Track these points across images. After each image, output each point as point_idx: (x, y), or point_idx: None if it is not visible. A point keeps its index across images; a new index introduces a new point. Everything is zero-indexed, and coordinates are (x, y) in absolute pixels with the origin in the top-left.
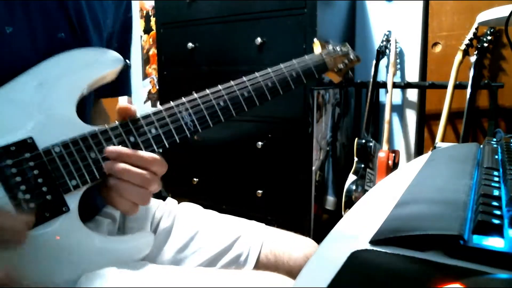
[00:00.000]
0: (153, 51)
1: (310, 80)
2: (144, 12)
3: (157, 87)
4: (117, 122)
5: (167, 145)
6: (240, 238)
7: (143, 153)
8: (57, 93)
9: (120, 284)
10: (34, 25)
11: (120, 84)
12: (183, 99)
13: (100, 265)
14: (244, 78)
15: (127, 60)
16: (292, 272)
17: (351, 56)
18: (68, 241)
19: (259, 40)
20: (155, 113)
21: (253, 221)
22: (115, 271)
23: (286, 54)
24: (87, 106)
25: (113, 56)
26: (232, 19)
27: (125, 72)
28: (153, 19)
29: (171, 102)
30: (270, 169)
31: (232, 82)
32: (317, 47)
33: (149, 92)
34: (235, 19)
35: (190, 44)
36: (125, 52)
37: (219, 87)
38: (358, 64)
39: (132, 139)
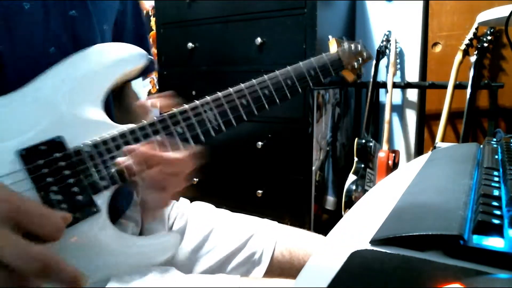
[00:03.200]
0: (153, 51)
1: (327, 78)
2: (144, 12)
3: (157, 87)
4: (145, 122)
5: (193, 144)
6: (254, 236)
7: (166, 154)
8: (83, 92)
9: None
10: (48, 1)
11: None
12: (208, 98)
13: (128, 266)
14: (265, 77)
15: (149, 51)
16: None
17: (364, 54)
18: (97, 242)
19: (259, 40)
20: (181, 112)
21: (266, 219)
22: (141, 278)
23: (286, 54)
24: (111, 103)
25: (138, 53)
26: (232, 19)
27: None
28: (153, 19)
29: (196, 101)
30: (270, 169)
31: (254, 81)
32: (332, 45)
33: (149, 92)
34: (235, 19)
35: (190, 44)
36: (142, 38)
37: (242, 86)
38: (370, 61)
39: (159, 138)
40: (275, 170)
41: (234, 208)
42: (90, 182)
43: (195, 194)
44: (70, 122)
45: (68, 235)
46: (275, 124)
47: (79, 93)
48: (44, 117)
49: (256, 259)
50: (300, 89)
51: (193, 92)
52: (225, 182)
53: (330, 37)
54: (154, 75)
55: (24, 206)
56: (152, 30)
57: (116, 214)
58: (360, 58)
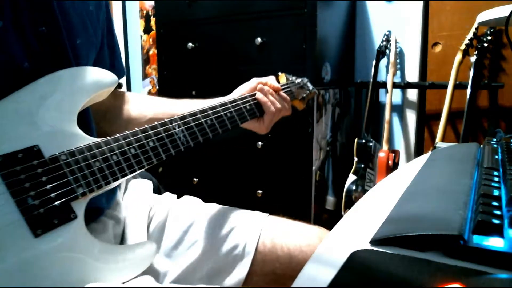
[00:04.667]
0: (153, 51)
1: None
2: (144, 12)
3: (157, 87)
4: (118, 134)
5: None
6: (236, 229)
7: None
8: (58, 109)
9: None
10: (21, 18)
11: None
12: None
13: (103, 275)
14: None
15: (115, 45)
16: (293, 259)
17: (310, 87)
18: (72, 248)
19: (259, 40)
20: (159, 125)
21: (255, 212)
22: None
23: (286, 54)
24: (88, 117)
25: (110, 77)
26: (232, 19)
27: (113, 55)
28: (153, 19)
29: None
30: (270, 169)
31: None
32: (282, 79)
33: (149, 92)
34: (235, 19)
35: (190, 44)
36: (114, 51)
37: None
38: (315, 95)
39: (132, 150)
40: (275, 170)
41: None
42: (68, 189)
43: (195, 194)
44: (47, 133)
45: (46, 240)
46: (275, 124)
47: (55, 108)
48: (22, 128)
49: (240, 251)
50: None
51: (193, 92)
52: (225, 182)
53: (279, 73)
54: (154, 75)
55: None
56: (152, 30)
57: (97, 213)
58: (307, 91)
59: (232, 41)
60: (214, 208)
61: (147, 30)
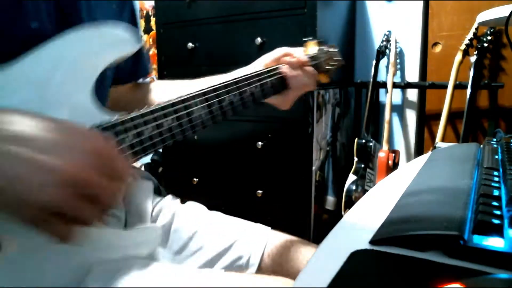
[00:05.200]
0: (153, 51)
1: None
2: (144, 12)
3: None
4: (119, 117)
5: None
6: (241, 240)
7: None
8: (73, 77)
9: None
10: (14, 13)
11: (137, 67)
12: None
13: (110, 259)
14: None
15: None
16: (292, 278)
17: (338, 58)
18: (80, 234)
19: (259, 40)
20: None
21: (258, 224)
22: (122, 270)
23: None
24: (104, 90)
25: (130, 37)
26: (232, 19)
27: (139, 54)
28: (153, 19)
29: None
30: (270, 169)
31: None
32: (310, 47)
33: None
34: (235, 19)
35: (190, 44)
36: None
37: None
38: (342, 65)
39: (130, 137)
40: (275, 170)
41: (234, 208)
42: None
43: (195, 194)
44: (57, 105)
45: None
46: (275, 124)
47: (70, 76)
48: (32, 98)
49: (243, 263)
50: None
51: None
52: (225, 182)
53: (308, 39)
54: (154, 75)
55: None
56: (152, 30)
57: None
58: (333, 62)
59: (232, 41)
60: (219, 216)
61: (147, 30)
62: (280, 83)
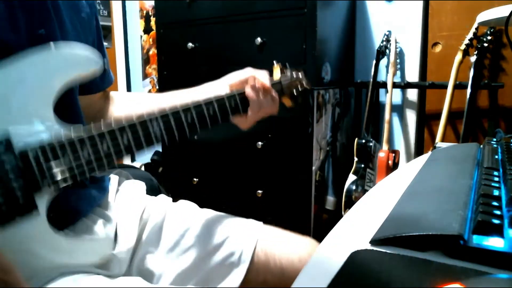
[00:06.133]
0: (153, 51)
1: None
2: (144, 12)
3: (157, 87)
4: (92, 128)
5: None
6: (232, 236)
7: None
8: (35, 93)
9: None
10: (18, 21)
11: (103, 79)
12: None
13: (54, 267)
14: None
15: (104, 56)
16: (285, 273)
17: (304, 83)
18: (32, 241)
19: (259, 40)
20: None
21: (250, 220)
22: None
23: (286, 54)
24: (73, 102)
25: (91, 56)
26: (232, 19)
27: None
28: (153, 19)
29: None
30: (270, 169)
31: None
32: (276, 71)
33: (149, 92)
34: (235, 19)
35: (190, 44)
36: (100, 48)
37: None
38: (308, 89)
39: (105, 147)
40: (275, 170)
41: (234, 208)
42: (33, 183)
43: (195, 194)
44: (19, 119)
45: (5, 233)
46: (275, 124)
47: (32, 93)
48: None
49: (235, 259)
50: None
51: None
52: (225, 182)
53: (275, 63)
54: (154, 75)
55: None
56: (152, 30)
57: (86, 210)
58: (299, 86)
59: (232, 41)
60: (210, 214)
61: (147, 30)
62: (241, 106)
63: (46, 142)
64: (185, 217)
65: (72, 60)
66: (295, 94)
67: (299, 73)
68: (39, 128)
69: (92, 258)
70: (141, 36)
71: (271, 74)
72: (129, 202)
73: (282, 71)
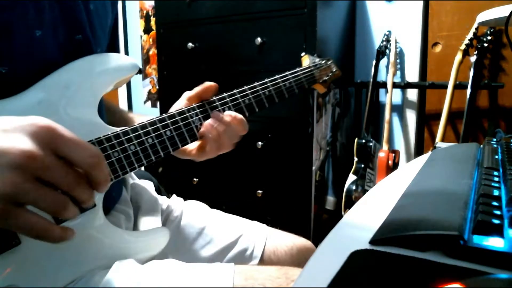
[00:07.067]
0: (153, 51)
1: (300, 91)
2: (144, 12)
3: (157, 87)
4: (137, 125)
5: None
6: (245, 235)
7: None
8: (81, 96)
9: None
10: (58, 27)
11: None
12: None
13: (117, 259)
14: (246, 87)
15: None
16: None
17: (334, 69)
18: (91, 234)
19: (259, 40)
20: (176, 114)
21: (255, 221)
22: (129, 268)
23: (286, 54)
24: (102, 107)
25: (131, 62)
26: (232, 19)
27: None
28: (153, 19)
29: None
30: (270, 169)
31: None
32: (305, 61)
33: (149, 92)
34: (235, 19)
35: (190, 44)
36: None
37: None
38: (339, 76)
39: (150, 140)
40: (275, 170)
41: (234, 208)
42: None
43: (195, 194)
44: (69, 123)
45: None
46: (275, 124)
47: (76, 97)
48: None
49: (248, 255)
50: (277, 100)
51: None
52: (225, 182)
53: (303, 54)
54: (154, 75)
55: (66, 134)
56: (152, 30)
57: (108, 207)
58: (330, 73)
59: (232, 41)
60: (222, 214)
61: (147, 30)
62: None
63: (94, 140)
64: (201, 216)
65: (117, 66)
66: (326, 79)
67: (328, 61)
68: (86, 129)
69: (153, 251)
70: (141, 36)
71: (300, 64)
72: (145, 200)
73: (311, 60)
